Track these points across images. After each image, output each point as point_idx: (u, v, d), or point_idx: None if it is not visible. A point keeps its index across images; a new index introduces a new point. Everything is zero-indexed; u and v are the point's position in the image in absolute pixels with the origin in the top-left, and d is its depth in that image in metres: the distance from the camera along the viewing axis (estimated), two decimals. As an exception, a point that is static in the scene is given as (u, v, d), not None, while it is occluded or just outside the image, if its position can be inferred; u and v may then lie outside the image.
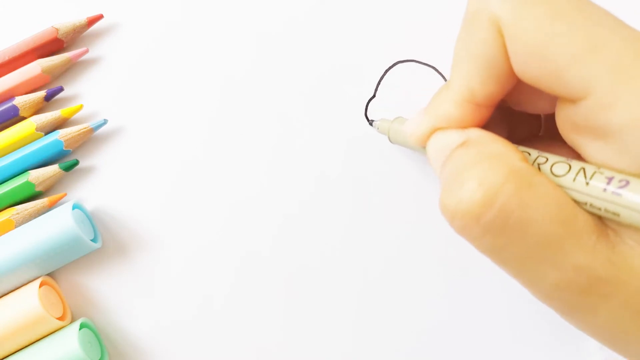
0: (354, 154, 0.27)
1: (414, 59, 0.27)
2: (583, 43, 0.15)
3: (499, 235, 0.16)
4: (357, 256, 0.26)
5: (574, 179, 0.16)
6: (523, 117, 0.21)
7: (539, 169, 0.17)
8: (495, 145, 0.17)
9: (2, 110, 0.28)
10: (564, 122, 0.17)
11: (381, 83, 0.27)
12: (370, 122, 0.26)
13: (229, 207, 0.27)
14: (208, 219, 0.27)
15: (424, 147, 0.21)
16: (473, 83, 0.18)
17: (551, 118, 0.19)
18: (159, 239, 0.27)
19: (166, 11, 0.29)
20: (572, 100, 0.16)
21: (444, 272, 0.26)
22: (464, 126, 0.19)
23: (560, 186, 0.16)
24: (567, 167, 0.17)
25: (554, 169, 0.17)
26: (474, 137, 0.18)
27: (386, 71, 0.28)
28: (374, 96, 0.27)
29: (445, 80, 0.27)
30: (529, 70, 0.17)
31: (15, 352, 0.25)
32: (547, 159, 0.17)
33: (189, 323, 0.27)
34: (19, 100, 0.28)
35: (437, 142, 0.20)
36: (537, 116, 0.21)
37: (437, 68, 0.27)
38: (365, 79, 0.28)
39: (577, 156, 0.17)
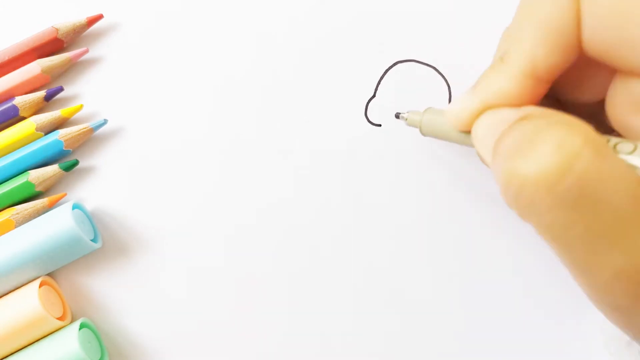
0: (354, 154, 0.27)
1: (414, 59, 0.27)
2: None
3: (570, 209, 0.14)
4: (358, 256, 0.26)
5: None
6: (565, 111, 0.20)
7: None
8: (563, 115, 0.16)
9: (2, 110, 0.28)
10: (622, 103, 0.16)
11: (381, 83, 0.27)
12: (397, 115, 0.25)
13: (229, 207, 0.27)
14: (208, 218, 0.27)
15: (468, 133, 0.19)
16: (536, 53, 0.17)
17: (591, 109, 0.18)
18: (159, 239, 0.27)
19: (166, 11, 0.29)
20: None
21: (445, 271, 0.26)
22: (521, 105, 0.18)
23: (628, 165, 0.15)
24: (633, 146, 0.15)
25: (618, 147, 0.16)
26: (536, 112, 0.16)
27: (386, 71, 0.28)
28: (374, 96, 0.27)
29: (446, 80, 0.27)
30: (602, 37, 0.15)
31: (15, 352, 0.25)
32: (609, 139, 0.16)
33: (189, 323, 0.27)
34: (19, 100, 0.28)
35: (489, 120, 0.18)
36: (575, 110, 0.20)
37: (437, 68, 0.27)
38: (365, 79, 0.28)
39: None
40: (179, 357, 0.27)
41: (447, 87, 0.27)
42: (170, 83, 0.29)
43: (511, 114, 0.17)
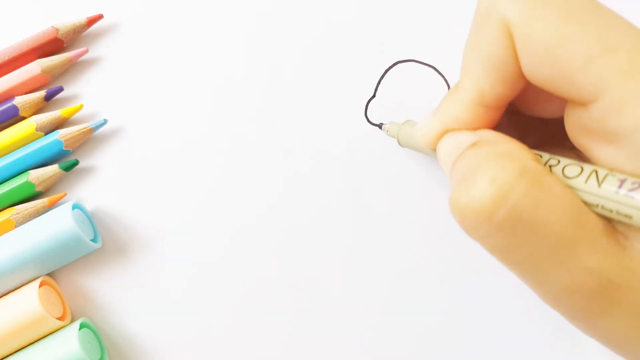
0: (354, 154, 0.27)
1: (414, 59, 0.27)
2: (595, 45, 0.15)
3: (510, 235, 0.16)
4: (358, 256, 0.26)
5: (586, 181, 0.16)
6: (533, 124, 0.21)
7: (551, 170, 0.17)
8: (508, 144, 0.17)
9: (2, 110, 0.28)
10: (573, 126, 0.17)
11: (381, 83, 0.27)
12: (380, 126, 0.26)
13: (229, 207, 0.27)
14: (208, 218, 0.27)
15: (435, 150, 0.21)
16: (482, 85, 0.18)
17: (560, 123, 0.19)
18: (159, 239, 0.27)
19: (166, 11, 0.29)
20: (583, 104, 0.16)
21: (445, 272, 0.26)
22: (475, 128, 0.19)
23: (571, 188, 0.16)
24: (579, 169, 0.16)
25: (565, 171, 0.17)
26: (485, 137, 0.18)
27: (386, 71, 0.28)
28: (374, 96, 0.27)
29: (446, 80, 0.27)
30: (538, 72, 0.17)
31: (15, 352, 0.25)
32: (559, 162, 0.17)
33: (189, 323, 0.27)
34: (19, 100, 0.28)
35: (448, 143, 0.19)
36: (546, 123, 0.21)
37: (437, 68, 0.27)
38: (365, 79, 0.28)
39: (586, 161, 0.17)
40: (178, 357, 0.27)
41: (447, 87, 0.27)
42: (170, 83, 0.29)
43: (467, 137, 0.19)
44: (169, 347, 0.27)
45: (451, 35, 0.27)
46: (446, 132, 0.20)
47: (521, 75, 0.17)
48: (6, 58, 0.28)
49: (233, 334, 0.27)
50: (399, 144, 0.25)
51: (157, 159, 0.28)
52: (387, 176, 0.27)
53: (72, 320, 0.27)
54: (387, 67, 0.28)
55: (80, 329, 0.25)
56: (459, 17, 0.27)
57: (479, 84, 0.18)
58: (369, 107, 0.27)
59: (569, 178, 0.17)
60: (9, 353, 0.25)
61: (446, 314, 0.26)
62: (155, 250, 0.27)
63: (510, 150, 0.17)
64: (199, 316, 0.27)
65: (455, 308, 0.26)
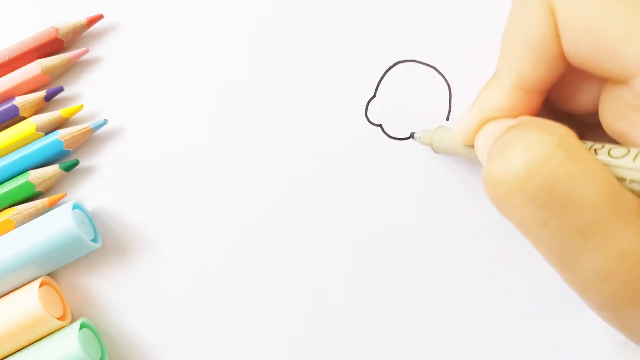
0: (354, 154, 0.27)
1: (414, 59, 0.27)
2: (636, 20, 0.15)
3: (542, 208, 0.15)
4: (358, 256, 0.26)
5: (635, 158, 0.16)
6: (567, 123, 0.21)
7: (596, 153, 0.17)
8: (548, 121, 0.17)
9: (2, 110, 0.28)
10: (610, 109, 0.17)
11: (381, 83, 0.27)
12: (411, 135, 0.26)
13: (229, 207, 0.27)
14: (208, 218, 0.27)
15: (472, 147, 0.20)
16: (523, 68, 0.18)
17: (593, 118, 0.19)
18: (159, 239, 0.27)
19: (166, 11, 0.29)
20: (624, 80, 0.16)
21: (446, 272, 0.26)
22: (516, 116, 0.19)
23: (609, 167, 0.16)
24: (626, 150, 0.16)
25: (611, 152, 0.16)
26: (526, 119, 0.17)
27: (386, 71, 0.28)
28: (374, 96, 0.27)
29: (446, 80, 0.27)
30: (580, 49, 0.16)
31: (16, 352, 0.25)
32: (604, 146, 0.17)
33: (189, 323, 0.27)
34: (19, 100, 0.28)
35: (487, 132, 0.19)
36: (579, 120, 0.21)
37: (437, 68, 0.27)
38: (365, 79, 0.28)
39: None
40: (178, 357, 0.27)
41: (447, 87, 0.27)
42: (170, 83, 0.29)
43: (507, 124, 0.18)
44: (169, 347, 0.27)
45: (451, 35, 0.27)
46: (484, 123, 0.19)
47: (562, 55, 0.17)
48: (6, 58, 0.28)
49: (233, 334, 0.27)
50: (433, 149, 0.25)
51: (157, 159, 0.28)
52: (387, 176, 0.27)
53: (72, 320, 0.27)
54: (387, 67, 0.28)
55: (80, 329, 0.25)
56: (459, 17, 0.27)
57: (520, 67, 0.18)
58: (369, 107, 0.27)
59: (615, 158, 0.16)
60: (9, 353, 0.25)
61: (447, 314, 0.26)
62: (155, 250, 0.27)
63: (550, 124, 0.16)
64: (199, 316, 0.27)
65: (455, 308, 0.26)
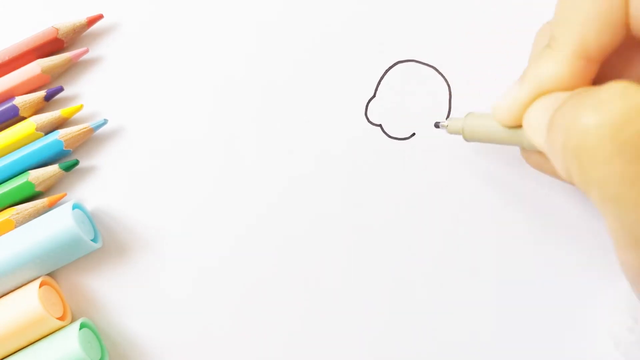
0: (354, 154, 0.27)
1: (414, 59, 0.27)
2: None
3: (635, 160, 0.14)
4: (359, 256, 0.26)
5: None
6: None
7: None
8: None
9: (2, 110, 0.28)
10: None
11: (381, 83, 0.27)
12: (437, 124, 0.25)
13: (229, 207, 0.27)
14: (208, 218, 0.27)
15: (517, 128, 0.19)
16: (587, 34, 0.17)
17: None
18: (159, 239, 0.27)
19: (166, 11, 0.29)
20: None
21: (447, 272, 0.26)
22: (572, 88, 0.18)
23: None
24: None
25: None
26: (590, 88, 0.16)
27: (386, 71, 0.28)
28: (374, 96, 0.27)
29: (446, 80, 0.27)
30: None
31: (16, 352, 0.25)
32: None
33: (189, 323, 0.27)
34: (19, 100, 0.28)
35: (544, 103, 0.18)
36: None
37: (437, 68, 0.27)
38: (365, 79, 0.28)
39: None
40: (178, 357, 0.27)
41: (447, 87, 0.27)
42: (170, 83, 0.29)
43: (565, 95, 0.17)
44: (169, 347, 0.27)
45: (451, 35, 0.27)
46: (537, 98, 0.18)
47: (626, 24, 0.16)
48: (6, 58, 0.28)
49: (233, 334, 0.27)
50: (465, 137, 0.23)
51: (157, 159, 0.28)
52: (387, 176, 0.27)
53: (72, 320, 0.27)
54: (387, 67, 0.28)
55: (80, 329, 0.25)
56: (459, 17, 0.27)
57: (583, 33, 0.17)
58: (369, 107, 0.27)
59: None
60: (9, 353, 0.25)
61: (447, 314, 0.26)
62: (156, 250, 0.27)
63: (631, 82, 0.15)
64: (199, 316, 0.27)
65: (456, 308, 0.26)
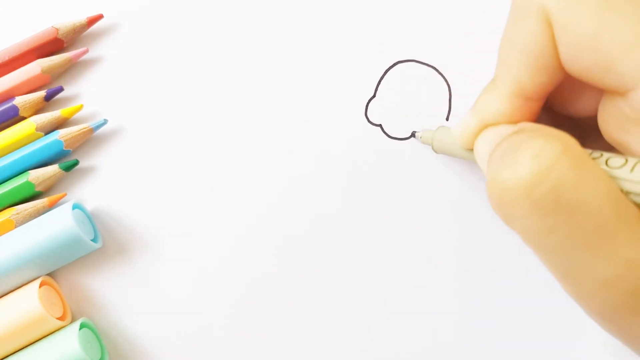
0: (354, 154, 0.27)
1: (414, 59, 0.27)
2: (634, 34, 0.15)
3: (549, 215, 0.15)
4: (359, 257, 0.26)
5: (632, 170, 0.16)
6: (566, 124, 0.21)
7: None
8: (551, 129, 0.17)
9: (2, 110, 0.28)
10: (609, 119, 0.17)
11: (381, 83, 0.27)
12: (413, 134, 0.26)
13: (229, 207, 0.27)
14: (208, 218, 0.27)
15: (472, 151, 0.20)
16: (522, 76, 0.18)
17: (593, 122, 0.19)
18: (160, 239, 0.27)
19: (166, 11, 0.29)
20: (622, 93, 0.16)
21: (447, 272, 0.26)
22: (515, 122, 0.19)
23: (611, 178, 0.16)
24: (624, 160, 0.16)
25: (609, 162, 0.16)
26: (528, 126, 0.18)
27: (386, 71, 0.28)
28: (374, 96, 0.27)
29: (446, 80, 0.27)
30: (577, 61, 0.17)
31: (15, 352, 0.25)
32: (602, 154, 0.17)
33: (189, 323, 0.27)
34: (19, 100, 0.28)
35: (487, 137, 0.19)
36: (579, 122, 0.21)
37: (437, 68, 0.27)
38: (365, 79, 0.28)
39: None
40: (179, 357, 0.27)
41: (447, 87, 0.27)
42: (170, 83, 0.29)
43: (507, 129, 0.18)
44: (169, 347, 0.27)
45: (451, 35, 0.27)
46: (484, 128, 0.20)
47: (560, 65, 0.17)
48: (6, 58, 0.28)
49: (233, 333, 0.27)
50: (434, 150, 0.25)
51: (157, 159, 0.28)
52: (387, 176, 0.27)
53: (72, 320, 0.27)
54: (387, 67, 0.28)
55: (80, 329, 0.25)
56: (459, 17, 0.27)
57: (518, 75, 0.18)
58: (369, 107, 0.27)
59: (613, 169, 0.16)
60: (9, 353, 0.25)
61: (446, 314, 0.26)
62: (156, 250, 0.27)
63: (554, 133, 0.16)
64: (199, 316, 0.27)
65: (455, 308, 0.26)
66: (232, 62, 0.28)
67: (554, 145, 0.15)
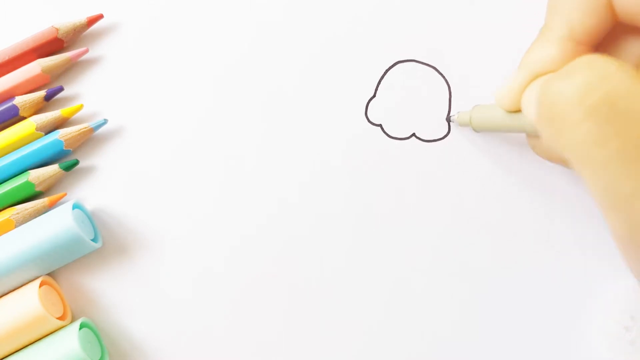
0: (354, 154, 0.27)
1: (414, 59, 0.27)
2: None
3: (603, 123, 0.15)
4: (360, 257, 0.26)
5: None
6: None
7: None
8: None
9: (2, 110, 0.28)
10: None
11: (381, 83, 0.28)
12: (448, 119, 0.26)
13: (229, 207, 0.27)
14: (208, 218, 0.27)
15: (520, 111, 0.20)
16: (573, 19, 0.18)
17: None
18: (159, 239, 0.27)
19: (166, 11, 0.29)
20: None
21: (448, 272, 0.26)
22: None
23: None
24: None
25: None
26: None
27: (386, 71, 0.28)
28: (374, 96, 0.27)
29: (446, 80, 0.27)
30: (629, 3, 0.16)
31: (16, 352, 0.25)
32: None
33: (189, 323, 0.27)
34: (19, 100, 0.28)
35: (537, 84, 0.19)
36: None
37: (437, 68, 0.27)
38: (365, 79, 0.28)
39: None
40: (179, 357, 0.27)
41: (447, 87, 0.27)
42: (171, 83, 0.29)
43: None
44: (169, 347, 0.27)
45: (451, 35, 0.27)
46: (533, 80, 0.19)
47: (611, 7, 0.17)
48: (6, 58, 0.28)
49: (233, 333, 0.27)
50: (473, 128, 0.25)
51: (157, 159, 0.28)
52: (387, 176, 0.27)
53: (72, 320, 0.27)
54: (387, 67, 0.28)
55: (80, 329, 0.25)
56: (459, 17, 0.27)
57: (570, 18, 0.18)
58: (369, 107, 0.27)
59: None
60: (9, 353, 0.25)
61: (447, 313, 0.26)
62: (156, 250, 0.27)
63: (609, 58, 0.16)
64: (199, 316, 0.27)
65: (457, 308, 0.26)
66: (232, 62, 0.28)
67: (609, 60, 0.15)
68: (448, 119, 0.26)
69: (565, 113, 0.15)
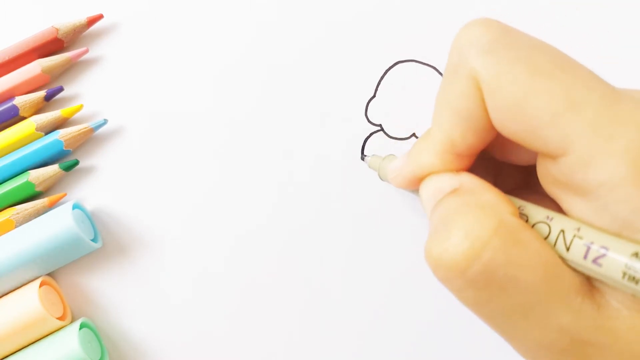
0: (354, 154, 0.27)
1: (414, 59, 0.27)
2: (562, 101, 0.15)
3: (483, 290, 0.16)
4: (357, 257, 0.26)
5: (555, 244, 0.16)
6: (506, 169, 0.21)
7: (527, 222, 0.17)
8: (487, 195, 0.17)
9: (2, 110, 0.28)
10: (544, 176, 0.17)
11: (381, 83, 0.28)
12: (363, 157, 0.27)
13: (229, 207, 0.27)
14: (208, 218, 0.27)
15: (410, 189, 0.21)
16: (453, 134, 0.18)
17: (534, 169, 0.19)
18: (159, 239, 0.27)
19: (166, 11, 0.29)
20: (552, 157, 0.16)
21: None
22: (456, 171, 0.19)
23: (548, 243, 0.16)
24: (547, 230, 0.16)
25: (537, 227, 0.17)
26: (466, 185, 0.18)
27: (386, 71, 0.28)
28: (374, 96, 0.27)
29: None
30: (507, 125, 0.17)
31: (16, 352, 0.25)
32: (528, 218, 0.17)
33: (189, 322, 0.27)
34: (19, 100, 0.28)
35: (430, 186, 0.19)
36: (520, 168, 0.21)
37: (437, 68, 0.27)
38: (365, 79, 0.28)
39: (560, 208, 0.17)
40: (178, 357, 0.27)
41: (447, 87, 0.27)
42: (171, 83, 0.29)
43: (449, 181, 0.19)
44: (169, 347, 0.27)
45: (451, 35, 0.27)
46: (417, 176, 0.20)
47: (491, 126, 0.18)
48: (6, 58, 0.28)
49: (233, 334, 0.27)
50: (379, 177, 0.25)
51: (157, 159, 0.28)
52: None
53: (72, 320, 0.27)
54: (387, 67, 0.28)
55: (80, 329, 0.25)
56: (459, 17, 0.27)
57: (450, 133, 0.18)
58: (369, 107, 0.27)
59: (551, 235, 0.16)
60: (9, 353, 0.25)
61: (447, 314, 0.26)
62: (155, 250, 0.27)
63: (488, 202, 0.17)
64: (199, 316, 0.27)
65: (457, 308, 0.26)
66: (231, 62, 0.28)
67: (485, 223, 0.16)
68: (362, 157, 0.27)
69: (447, 280, 0.16)
